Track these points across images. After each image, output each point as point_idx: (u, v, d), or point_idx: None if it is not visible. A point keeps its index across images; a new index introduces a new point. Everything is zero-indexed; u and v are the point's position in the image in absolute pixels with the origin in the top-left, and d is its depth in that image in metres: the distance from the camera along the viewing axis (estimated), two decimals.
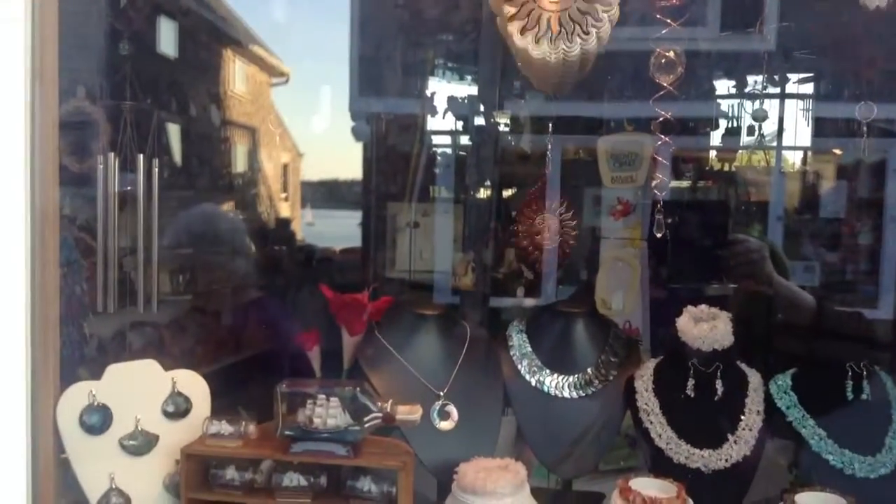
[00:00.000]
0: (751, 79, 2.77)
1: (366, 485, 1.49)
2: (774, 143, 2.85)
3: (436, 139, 2.98)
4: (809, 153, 3.01)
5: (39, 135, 1.49)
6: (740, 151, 2.83)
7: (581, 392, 1.77)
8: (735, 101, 2.79)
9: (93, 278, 1.96)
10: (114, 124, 2.25)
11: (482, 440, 1.67)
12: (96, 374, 1.61)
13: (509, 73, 2.70)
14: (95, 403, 1.55)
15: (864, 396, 1.65)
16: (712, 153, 2.89)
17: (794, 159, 3.01)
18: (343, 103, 3.08)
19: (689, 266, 2.38)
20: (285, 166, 3.89)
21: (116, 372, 1.60)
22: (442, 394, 1.71)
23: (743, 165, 2.84)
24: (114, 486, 1.54)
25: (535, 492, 1.52)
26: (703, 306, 1.73)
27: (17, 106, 1.46)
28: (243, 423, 1.53)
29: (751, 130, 2.75)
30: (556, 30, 1.51)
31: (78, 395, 1.55)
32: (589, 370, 1.80)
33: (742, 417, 1.65)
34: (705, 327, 1.66)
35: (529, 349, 1.82)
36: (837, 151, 2.93)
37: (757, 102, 2.37)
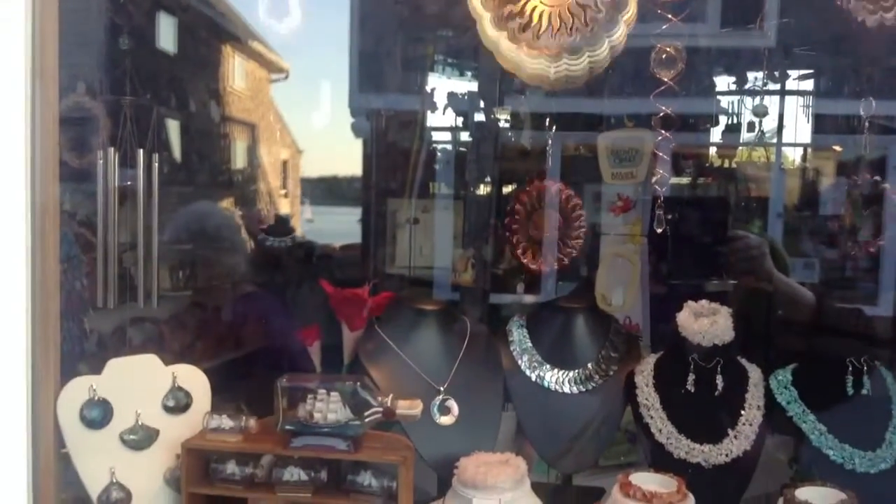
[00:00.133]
0: (751, 75, 2.76)
1: (366, 479, 1.49)
2: (774, 140, 2.85)
3: (436, 135, 2.97)
4: (809, 150, 3.01)
5: (40, 130, 1.49)
6: (740, 148, 2.83)
7: (581, 387, 1.78)
8: (735, 98, 2.79)
9: (93, 273, 1.95)
10: (113, 120, 2.25)
11: (482, 435, 1.68)
12: (96, 369, 1.61)
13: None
14: (96, 398, 1.55)
15: (864, 392, 1.65)
16: (712, 150, 2.89)
17: (794, 156, 3.01)
18: (343, 99, 3.08)
19: (689, 262, 2.38)
20: (285, 163, 3.88)
21: (117, 366, 1.60)
22: (442, 389, 1.71)
23: (743, 162, 2.84)
24: (114, 481, 1.54)
25: (536, 486, 1.53)
26: (704, 301, 1.73)
27: (18, 102, 1.46)
28: (244, 417, 1.53)
29: (751, 127, 2.74)
30: (557, 26, 1.51)
31: (78, 390, 1.55)
32: (589, 365, 1.80)
33: (742, 412, 1.66)
34: (706, 322, 1.67)
35: (530, 344, 1.82)
36: (837, 148, 2.93)
37: (757, 98, 2.37)
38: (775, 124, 2.81)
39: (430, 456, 1.64)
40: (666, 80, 1.74)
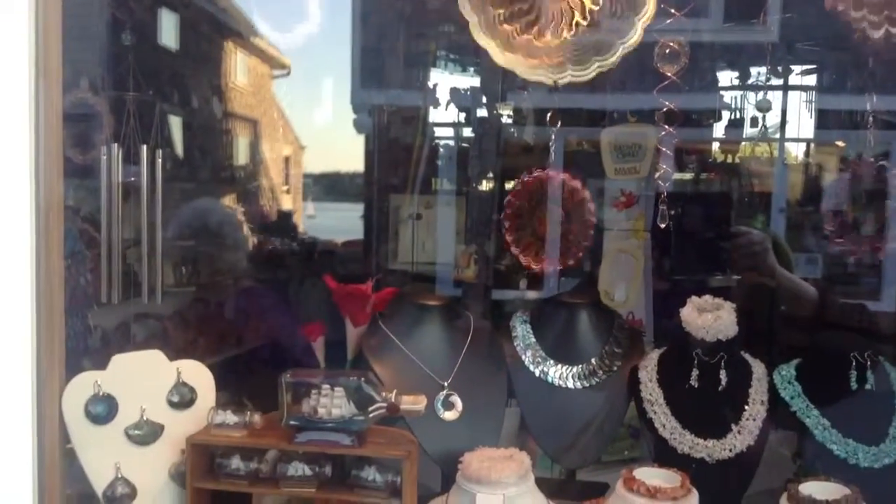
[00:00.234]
0: (754, 70, 2.76)
1: (370, 474, 1.49)
2: (777, 135, 2.85)
3: (438, 131, 2.97)
4: (812, 145, 3.01)
5: (44, 127, 1.49)
6: (743, 143, 2.83)
7: (585, 382, 1.78)
8: (738, 93, 2.79)
9: (97, 269, 1.96)
10: (116, 116, 2.25)
11: (486, 430, 1.68)
12: (100, 365, 1.62)
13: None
14: (101, 393, 1.56)
15: (868, 387, 1.65)
16: (715, 145, 2.89)
17: (796, 151, 3.01)
18: (345, 95, 3.08)
19: (692, 258, 2.38)
20: (287, 159, 3.88)
21: (121, 362, 1.61)
22: (446, 384, 1.71)
23: (746, 157, 2.84)
24: (119, 476, 1.54)
25: (539, 482, 1.52)
26: (708, 297, 1.73)
27: (22, 98, 1.46)
28: (248, 413, 1.53)
29: (754, 122, 2.74)
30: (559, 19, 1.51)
31: (83, 385, 1.56)
32: (593, 361, 1.80)
33: (746, 407, 1.66)
34: (709, 317, 1.67)
35: (533, 340, 1.82)
36: (840, 143, 2.93)
37: (761, 93, 2.37)
38: (778, 119, 2.81)
39: (434, 451, 1.64)
40: (669, 74, 1.74)
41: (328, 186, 3.90)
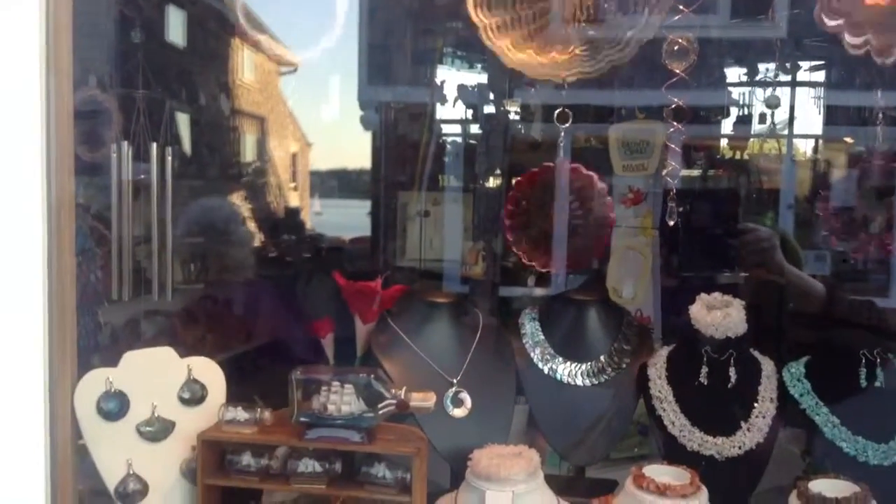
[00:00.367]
0: (762, 66, 2.75)
1: (380, 471, 1.49)
2: (785, 132, 2.84)
3: (445, 128, 2.97)
4: (820, 141, 3.00)
5: (55, 124, 1.49)
6: (752, 139, 2.82)
7: (594, 380, 1.78)
8: (746, 89, 2.78)
9: (107, 267, 1.97)
10: (125, 113, 2.26)
11: (495, 427, 1.68)
12: (109, 362, 1.62)
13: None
14: (112, 390, 1.56)
15: (877, 384, 1.64)
16: (723, 141, 2.88)
17: (805, 147, 3.00)
18: (352, 92, 3.08)
19: (700, 254, 2.38)
20: (294, 156, 3.89)
21: (133, 359, 1.61)
22: (455, 381, 1.71)
23: (755, 154, 2.83)
24: (131, 472, 1.55)
25: (548, 479, 1.53)
26: (717, 294, 1.72)
27: (33, 96, 1.46)
28: (259, 409, 1.53)
29: (762, 118, 2.74)
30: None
31: (95, 382, 1.56)
32: (602, 358, 1.80)
33: (755, 405, 1.65)
34: (718, 315, 1.66)
35: (542, 337, 1.82)
36: (849, 140, 2.92)
37: (769, 90, 2.36)
38: (786, 116, 2.80)
39: (444, 448, 1.64)
40: (678, 71, 1.74)
41: (335, 183, 3.90)
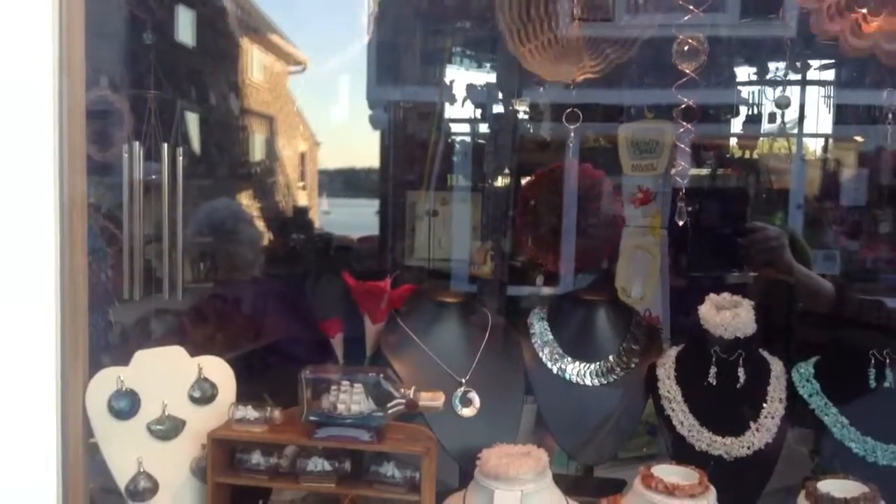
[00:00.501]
0: (772, 65, 2.74)
1: (389, 470, 1.50)
2: (795, 130, 2.83)
3: (454, 127, 2.97)
4: (830, 140, 2.99)
5: (67, 124, 1.50)
6: (761, 139, 2.81)
7: (603, 380, 1.78)
8: (756, 88, 2.77)
9: (117, 266, 1.98)
10: (135, 113, 2.27)
11: (504, 427, 1.68)
12: (119, 361, 1.63)
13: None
14: (123, 389, 1.57)
15: (886, 384, 1.64)
16: (733, 140, 2.88)
17: (814, 146, 2.99)
18: (360, 91, 3.09)
19: (709, 254, 2.37)
20: (303, 155, 3.90)
21: (144, 358, 1.62)
22: (464, 381, 1.72)
23: (764, 153, 2.82)
24: (142, 471, 1.56)
25: (557, 478, 1.53)
26: (726, 294, 1.72)
27: (46, 96, 1.47)
28: (268, 408, 1.54)
29: (772, 118, 2.73)
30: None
31: (106, 381, 1.57)
32: (611, 358, 1.80)
33: (764, 405, 1.65)
34: (728, 315, 1.66)
35: (551, 337, 1.83)
36: (859, 139, 2.91)
37: (779, 89, 2.35)
38: (796, 115, 2.79)
39: (452, 447, 1.65)
40: (688, 72, 1.73)
41: (343, 182, 3.91)
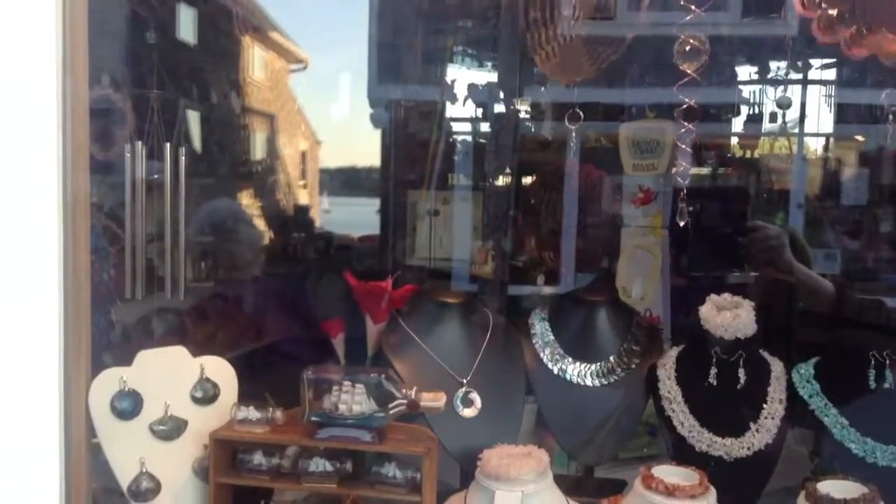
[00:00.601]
0: (773, 64, 2.74)
1: (391, 470, 1.50)
2: (796, 130, 2.83)
3: (455, 126, 2.98)
4: (831, 140, 2.99)
5: (70, 123, 1.50)
6: (762, 138, 2.81)
7: (603, 380, 1.78)
8: (757, 88, 2.77)
9: (119, 265, 1.98)
10: (137, 112, 2.26)
11: (505, 427, 1.68)
12: (120, 360, 1.64)
13: (529, 60, 2.69)
14: (126, 389, 1.58)
15: (886, 385, 1.64)
16: (734, 140, 2.88)
17: (815, 146, 3.00)
18: (362, 90, 3.09)
19: (709, 254, 2.38)
20: (303, 153, 3.90)
21: (146, 358, 1.63)
22: (465, 381, 1.72)
23: (765, 152, 2.83)
24: (144, 471, 1.56)
25: (557, 478, 1.53)
26: (727, 295, 1.72)
27: (49, 94, 1.47)
28: (270, 409, 1.54)
29: (773, 117, 2.73)
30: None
31: (109, 381, 1.58)
32: (611, 358, 1.80)
33: (764, 406, 1.65)
34: (728, 316, 1.66)
35: (552, 337, 1.83)
36: (860, 138, 2.91)
37: (780, 89, 2.35)
38: (797, 114, 2.80)
39: (453, 448, 1.65)
40: (690, 72, 1.73)
41: (344, 181, 3.91)
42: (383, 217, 3.01)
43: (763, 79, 2.78)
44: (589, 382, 1.78)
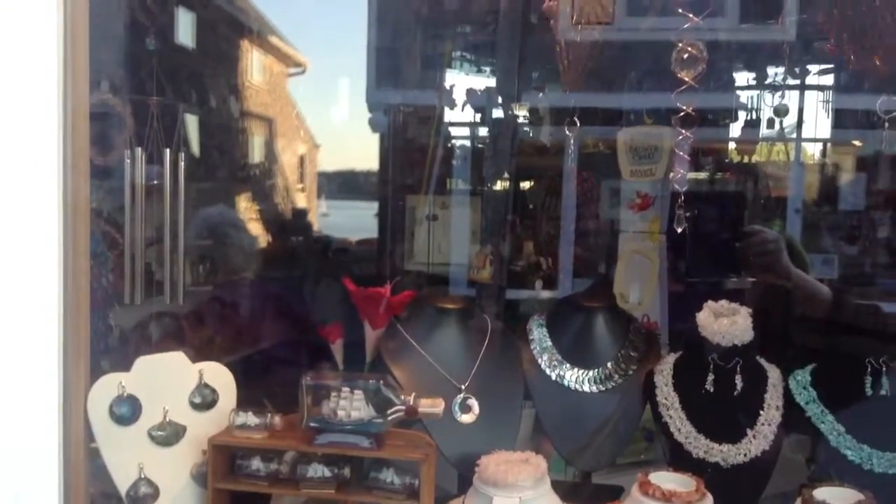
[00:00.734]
0: (771, 70, 2.75)
1: (388, 476, 1.50)
2: (794, 135, 2.84)
3: (453, 131, 2.98)
4: (829, 145, 3.00)
5: (71, 127, 1.51)
6: (760, 143, 2.82)
7: (601, 386, 1.79)
8: (755, 93, 2.78)
9: (118, 270, 1.98)
10: (136, 117, 2.27)
11: (503, 433, 1.69)
12: (118, 365, 1.64)
13: (528, 65, 2.70)
14: (125, 394, 1.58)
15: (883, 392, 1.65)
16: (731, 145, 2.88)
17: (813, 151, 3.00)
18: (360, 94, 3.10)
19: (706, 259, 2.38)
20: (302, 157, 3.90)
21: (145, 364, 1.63)
22: (463, 387, 1.72)
23: (763, 158, 2.83)
24: (142, 476, 1.57)
25: (554, 484, 1.53)
26: (724, 301, 1.73)
27: (50, 99, 1.48)
28: (269, 414, 1.55)
29: (770, 122, 2.73)
30: None
31: (108, 386, 1.58)
32: (609, 364, 1.81)
33: (761, 412, 1.66)
34: (725, 322, 1.67)
35: (550, 343, 1.83)
36: (857, 143, 2.92)
37: (777, 96, 2.36)
38: (795, 119, 2.80)
39: (451, 454, 1.65)
40: (687, 80, 1.74)
41: (342, 185, 3.92)
42: (381, 221, 3.02)
43: (761, 84, 2.78)
44: (586, 388, 1.78)
